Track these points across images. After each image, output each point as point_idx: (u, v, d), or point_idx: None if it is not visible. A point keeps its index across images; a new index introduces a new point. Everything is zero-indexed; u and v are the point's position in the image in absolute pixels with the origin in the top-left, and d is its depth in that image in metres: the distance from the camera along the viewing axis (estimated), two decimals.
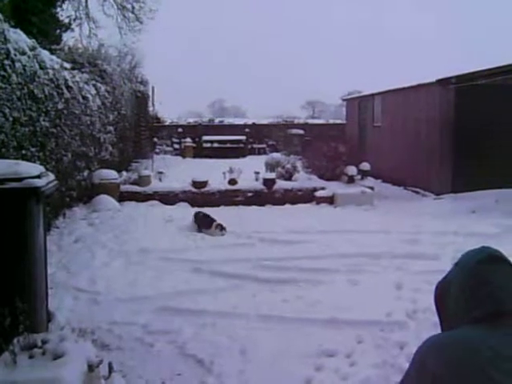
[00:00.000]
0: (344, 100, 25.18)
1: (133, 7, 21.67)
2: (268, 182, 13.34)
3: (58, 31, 19.37)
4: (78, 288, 6.55)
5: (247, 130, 28.88)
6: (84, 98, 11.87)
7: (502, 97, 13.94)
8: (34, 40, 8.75)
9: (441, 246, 8.47)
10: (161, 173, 14.37)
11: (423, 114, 15.06)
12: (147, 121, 24.31)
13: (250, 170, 14.36)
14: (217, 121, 38.30)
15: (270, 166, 14.84)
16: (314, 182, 13.87)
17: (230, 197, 13.06)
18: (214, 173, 14.04)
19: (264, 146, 27.97)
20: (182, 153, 26.46)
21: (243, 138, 27.98)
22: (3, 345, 3.21)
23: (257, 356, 4.84)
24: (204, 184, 13.14)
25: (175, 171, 16.50)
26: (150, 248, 8.41)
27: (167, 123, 31.14)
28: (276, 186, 13.35)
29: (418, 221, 10.72)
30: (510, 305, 1.52)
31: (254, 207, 12.68)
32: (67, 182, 10.10)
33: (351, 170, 14.37)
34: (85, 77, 13.13)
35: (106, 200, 11.52)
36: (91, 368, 3.43)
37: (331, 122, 36.04)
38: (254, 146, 27.94)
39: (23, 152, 7.46)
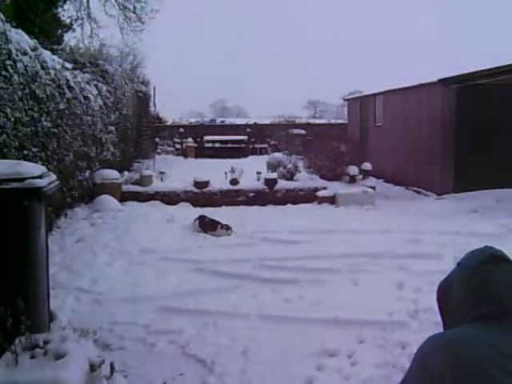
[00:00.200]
0: (345, 100, 25.16)
1: (134, 7, 21.65)
2: (270, 182, 13.34)
3: (60, 31, 19.39)
4: (79, 288, 6.55)
5: (249, 129, 28.89)
6: (85, 98, 11.87)
7: (503, 96, 13.93)
8: (35, 40, 8.76)
9: (442, 245, 8.46)
10: (162, 173, 14.37)
11: (425, 114, 15.05)
12: (149, 121, 24.30)
13: (252, 170, 14.35)
14: (218, 121, 38.35)
15: (272, 166, 14.82)
16: (316, 181, 13.87)
17: (232, 197, 13.06)
18: (216, 173, 14.03)
19: (266, 145, 27.98)
20: (183, 153, 26.47)
21: (245, 137, 28.00)
22: (5, 345, 3.21)
23: (258, 356, 4.84)
24: (206, 184, 13.14)
25: (177, 171, 16.49)
26: (152, 248, 8.41)
27: (169, 123, 31.16)
28: (278, 186, 13.35)
29: (420, 220, 10.72)
30: (511, 304, 1.52)
31: (256, 207, 12.68)
32: (69, 182, 10.10)
33: (353, 169, 14.36)
34: (86, 77, 13.15)
35: (107, 200, 11.53)
36: (93, 368, 3.44)
37: (333, 121, 36.09)
38: (256, 145, 27.95)
39: (25, 152, 7.46)
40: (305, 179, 13.98)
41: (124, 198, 12.34)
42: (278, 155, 16.57)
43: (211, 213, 11.31)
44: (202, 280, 7.07)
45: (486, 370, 1.39)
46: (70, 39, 19.88)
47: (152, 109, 24.99)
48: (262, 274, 7.18)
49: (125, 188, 12.68)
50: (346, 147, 15.25)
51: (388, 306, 5.98)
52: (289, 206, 12.83)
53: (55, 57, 10.46)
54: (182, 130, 28.29)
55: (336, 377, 4.47)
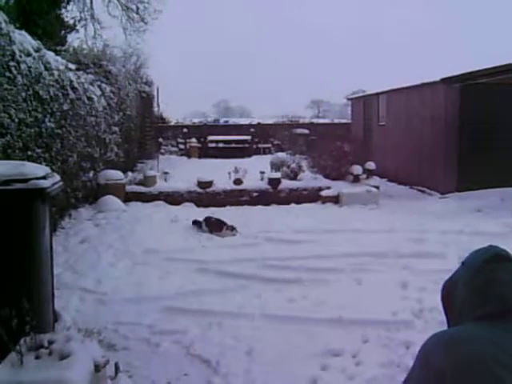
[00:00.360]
0: (349, 99, 25.15)
1: (137, 8, 21.69)
2: (273, 182, 13.33)
3: (63, 32, 19.42)
4: (84, 288, 6.57)
5: (252, 129, 28.88)
6: (89, 98, 11.89)
7: (506, 95, 13.90)
8: (39, 41, 8.78)
9: (446, 244, 8.44)
10: (166, 173, 14.38)
11: (428, 113, 15.03)
12: (152, 121, 24.32)
13: (256, 170, 14.35)
14: (222, 121, 38.34)
15: (276, 166, 14.82)
16: (320, 181, 13.86)
17: (236, 197, 13.06)
18: (220, 173, 14.03)
19: (269, 145, 27.96)
20: (187, 153, 26.49)
21: (248, 137, 27.99)
22: (10, 345, 3.22)
23: (263, 356, 4.85)
24: (209, 184, 13.14)
25: (180, 171, 16.50)
26: (156, 248, 8.42)
27: (172, 123, 31.17)
28: (281, 186, 13.35)
29: (424, 220, 10.70)
30: None
31: (260, 207, 12.68)
32: (73, 183, 10.12)
33: (356, 169, 14.35)
34: (90, 78, 13.16)
35: (111, 201, 11.54)
36: (98, 368, 3.44)
37: (336, 121, 36.03)
38: (260, 145, 27.94)
39: (29, 153, 7.48)
40: (308, 179, 13.97)
41: (128, 198, 12.36)
42: (281, 155, 16.57)
43: (215, 213, 11.31)
44: (206, 280, 7.07)
45: (490, 368, 1.39)
46: (73, 40, 19.94)
47: (155, 109, 25.01)
48: (266, 274, 7.18)
49: (129, 188, 12.70)
50: (349, 147, 15.23)
51: (392, 305, 5.97)
52: (292, 205, 12.82)
53: (59, 58, 10.47)
54: (185, 130, 28.29)
55: (340, 376, 4.47)
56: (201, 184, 13.09)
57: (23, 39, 7.76)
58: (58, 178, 4.16)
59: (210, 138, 27.86)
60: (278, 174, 13.76)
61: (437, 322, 5.15)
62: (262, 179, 13.82)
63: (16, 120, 7.00)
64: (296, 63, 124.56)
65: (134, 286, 6.78)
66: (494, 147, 13.64)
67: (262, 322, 5.66)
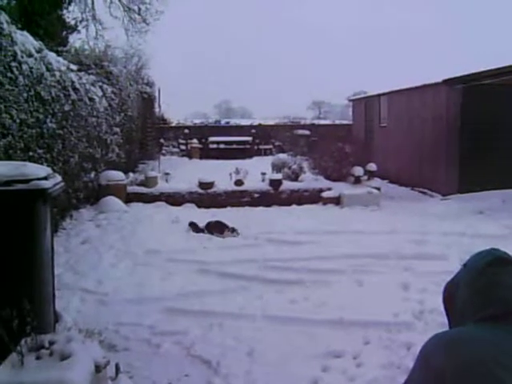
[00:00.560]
0: (350, 100, 25.15)
1: (139, 9, 21.67)
2: (274, 183, 13.33)
3: (65, 33, 19.41)
4: (85, 289, 6.57)
5: (253, 130, 28.88)
6: (90, 99, 11.90)
7: (508, 97, 13.89)
8: (40, 42, 8.78)
9: (448, 246, 8.44)
10: (167, 174, 14.39)
11: (429, 114, 15.02)
12: (153, 122, 24.33)
13: (257, 171, 14.36)
14: (223, 122, 38.33)
15: (277, 167, 14.83)
16: (321, 182, 13.86)
17: (237, 198, 13.06)
18: (221, 174, 14.04)
19: (270, 146, 27.96)
20: (188, 154, 26.49)
21: (249, 138, 28.00)
22: (11, 346, 3.22)
23: (264, 357, 4.84)
24: (210, 185, 13.14)
25: (182, 172, 16.51)
26: (157, 249, 8.42)
27: (173, 124, 31.15)
28: (282, 187, 13.35)
29: (425, 221, 10.69)
30: None
31: (261, 208, 12.68)
32: (74, 184, 10.13)
33: (358, 170, 14.35)
34: (91, 78, 13.17)
35: (112, 201, 11.55)
36: (98, 369, 3.44)
37: (337, 122, 35.98)
38: (261, 146, 27.94)
39: (30, 154, 7.49)
40: (309, 180, 13.97)
41: (129, 199, 12.36)
42: (282, 156, 16.57)
43: (216, 214, 11.33)
44: (207, 281, 7.07)
45: (491, 369, 1.38)
46: (74, 41, 19.92)
47: (157, 110, 25.03)
48: (267, 275, 7.18)
49: (130, 189, 12.71)
50: (350, 148, 15.24)
51: (393, 306, 5.96)
52: (294, 206, 12.82)
53: (60, 58, 10.48)
54: (186, 131, 28.30)
55: (341, 378, 4.46)
56: (202, 185, 13.09)
57: (25, 40, 7.77)
58: (59, 178, 4.16)
59: (211, 138, 27.86)
60: (279, 175, 13.76)
61: (438, 323, 5.14)
62: (263, 180, 13.83)
63: (17, 121, 7.00)
64: (297, 64, 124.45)
65: (135, 287, 6.78)
66: (496, 149, 13.63)
67: (263, 323, 5.66)
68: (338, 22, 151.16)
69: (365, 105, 21.06)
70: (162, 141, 25.63)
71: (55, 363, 3.20)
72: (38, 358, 3.23)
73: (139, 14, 21.70)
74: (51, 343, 3.37)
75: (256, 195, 13.18)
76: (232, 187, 13.27)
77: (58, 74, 9.21)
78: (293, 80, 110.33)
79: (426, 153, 15.18)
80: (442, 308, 1.75)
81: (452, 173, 14.02)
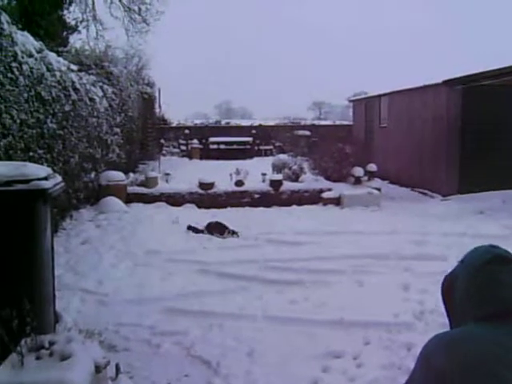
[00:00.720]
0: (350, 101, 25.15)
1: (139, 9, 21.67)
2: (275, 184, 13.33)
3: (65, 33, 19.42)
4: (85, 289, 6.57)
5: (254, 131, 28.90)
6: (91, 99, 11.90)
7: (508, 97, 13.89)
8: (41, 42, 8.79)
9: (448, 247, 8.43)
10: (167, 174, 14.40)
11: (430, 115, 15.02)
12: (154, 122, 24.34)
13: (257, 172, 14.37)
14: (223, 122, 38.31)
15: (277, 168, 14.83)
16: (321, 183, 13.86)
17: (237, 198, 13.06)
18: (221, 174, 14.04)
19: (271, 147, 27.97)
20: (188, 154, 26.50)
21: (250, 139, 28.02)
22: (11, 346, 3.22)
23: (264, 357, 4.84)
24: (211, 185, 13.14)
25: (182, 173, 16.51)
26: (157, 249, 8.42)
27: (174, 125, 31.16)
28: (283, 188, 13.35)
29: (425, 222, 10.69)
30: None
31: (261, 208, 12.68)
32: (74, 184, 10.13)
33: (358, 171, 14.35)
34: (92, 79, 13.18)
35: (112, 202, 11.55)
36: (98, 369, 3.44)
37: (338, 123, 35.97)
38: (261, 147, 27.96)
39: (30, 154, 7.49)
40: (310, 180, 13.97)
41: (129, 199, 12.36)
42: (283, 157, 16.58)
43: (216, 214, 11.33)
44: (207, 281, 7.07)
45: (493, 369, 1.38)
46: (75, 41, 19.94)
47: (157, 110, 25.03)
48: (267, 276, 7.18)
49: (130, 189, 12.71)
50: (351, 148, 15.24)
51: (394, 307, 5.96)
52: (294, 207, 12.83)
53: (60, 59, 10.49)
54: (187, 131, 28.32)
55: (341, 378, 4.46)
56: (202, 185, 13.09)
57: (25, 40, 7.77)
58: (59, 178, 4.16)
59: (212, 139, 27.87)
60: (279, 176, 13.77)
61: (438, 323, 5.14)
62: (263, 181, 13.83)
63: (18, 121, 7.00)
64: (297, 64, 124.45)
65: (135, 287, 6.78)
66: (497, 149, 13.63)
67: (263, 324, 5.65)
68: (338, 21, 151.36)
69: (365, 105, 21.06)
70: (162, 141, 25.64)
71: (55, 363, 3.20)
72: (37, 358, 3.23)
73: (139, 15, 21.70)
74: (51, 343, 3.37)
75: (256, 196, 13.18)
76: (232, 188, 13.28)
77: (58, 74, 9.21)
78: (293, 80, 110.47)
79: (426, 153, 15.18)
80: (442, 308, 1.74)
81: (452, 173, 14.02)
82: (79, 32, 20.53)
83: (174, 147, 27.60)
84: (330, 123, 37.03)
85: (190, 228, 9.92)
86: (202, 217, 10.85)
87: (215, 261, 7.92)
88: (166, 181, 13.97)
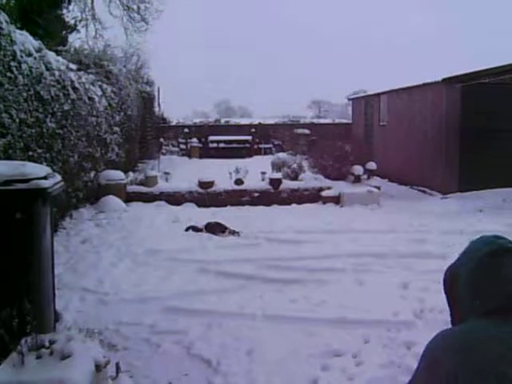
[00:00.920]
0: (350, 99, 25.15)
1: (138, 8, 21.68)
2: (274, 182, 13.33)
3: (64, 32, 19.42)
4: (85, 288, 6.56)
5: (253, 130, 28.89)
6: (90, 99, 11.89)
7: (508, 95, 13.90)
8: (40, 41, 8.78)
9: (448, 245, 8.44)
10: (167, 173, 14.40)
11: (429, 113, 15.02)
12: (153, 121, 24.34)
13: (257, 170, 14.37)
14: (223, 121, 38.31)
15: (277, 166, 14.83)
16: (320, 181, 13.86)
17: (237, 197, 13.06)
18: (221, 173, 14.04)
19: (270, 145, 27.98)
20: (188, 153, 26.50)
21: (249, 138, 28.01)
22: (11, 345, 3.22)
23: (263, 356, 4.84)
24: (210, 184, 13.14)
25: (181, 171, 16.51)
26: (157, 248, 8.42)
27: (173, 124, 31.17)
28: (282, 186, 13.35)
29: (425, 220, 10.70)
30: None
31: (261, 207, 12.68)
32: (74, 183, 10.13)
33: (357, 169, 14.35)
34: (91, 78, 13.17)
35: (112, 201, 11.55)
36: (98, 368, 3.44)
37: (337, 121, 36.01)
38: (260, 146, 27.95)
39: (30, 153, 7.49)
40: (309, 179, 13.97)
41: (129, 198, 12.37)
42: (282, 155, 16.59)
43: (216, 213, 11.34)
44: (207, 280, 7.07)
45: (500, 367, 1.34)
46: (74, 40, 19.95)
47: (156, 109, 25.03)
48: (267, 274, 7.18)
49: (130, 189, 12.71)
50: (350, 147, 15.24)
51: (393, 305, 5.96)
52: (293, 205, 12.83)
53: (60, 58, 10.48)
54: (186, 130, 28.32)
55: (341, 377, 4.46)
56: (202, 184, 13.09)
57: (24, 39, 7.77)
58: (58, 178, 4.16)
59: (211, 138, 27.87)
60: (278, 175, 13.77)
61: (438, 322, 5.13)
62: (262, 179, 13.83)
63: (17, 120, 7.00)
64: (297, 63, 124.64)
65: (135, 286, 6.78)
66: (496, 147, 13.64)
67: (263, 323, 5.65)
68: (337, 21, 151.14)
69: (364, 104, 21.06)
70: (161, 140, 25.63)
71: (55, 363, 3.20)
72: (38, 357, 3.24)
73: (139, 13, 21.71)
74: (51, 343, 3.37)
75: (256, 194, 13.18)
76: (232, 186, 13.28)
77: (57, 73, 9.21)
78: (292, 79, 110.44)
79: (425, 151, 15.17)
80: (441, 307, 1.73)
81: (452, 171, 14.02)
82: (78, 31, 20.56)
83: (174, 146, 27.60)
84: (329, 122, 37.06)
85: (189, 227, 9.91)
86: (202, 216, 10.85)
87: (215, 260, 7.92)
88: (166, 180, 13.97)
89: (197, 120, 39.71)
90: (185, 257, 8.10)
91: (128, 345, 5.08)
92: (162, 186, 13.21)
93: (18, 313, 3.32)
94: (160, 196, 12.76)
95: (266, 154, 26.07)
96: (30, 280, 3.80)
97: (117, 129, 14.79)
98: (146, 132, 21.78)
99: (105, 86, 14.27)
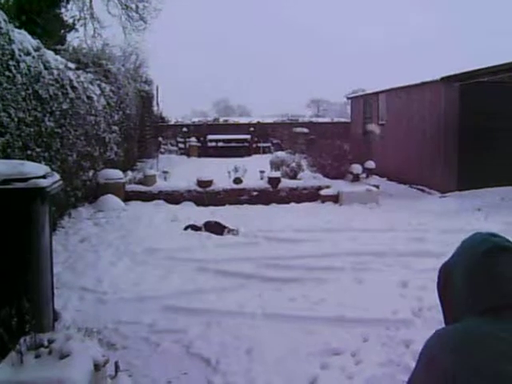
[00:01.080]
0: (348, 98, 25.14)
1: (137, 7, 21.66)
2: (273, 181, 13.33)
3: (63, 31, 19.41)
4: (83, 288, 6.56)
5: (252, 128, 28.88)
6: (89, 97, 11.89)
7: (506, 94, 13.90)
8: (38, 40, 8.77)
9: (446, 243, 8.40)
10: (166, 172, 14.39)
11: (427, 112, 15.03)
12: (152, 120, 24.33)
13: (255, 169, 14.37)
14: (222, 120, 38.30)
15: (275, 165, 14.83)
16: (319, 180, 13.86)
17: (235, 196, 13.06)
18: (219, 172, 14.04)
19: (269, 144, 27.97)
20: (186, 152, 26.49)
21: (248, 136, 28.00)
22: (10, 344, 3.22)
23: (263, 355, 4.84)
24: (209, 183, 13.14)
25: (180, 170, 16.50)
26: (156, 247, 8.41)
27: (172, 123, 31.17)
28: (281, 185, 13.35)
29: (424, 219, 10.70)
30: None
31: (260, 206, 12.68)
32: (72, 182, 10.12)
33: (356, 168, 14.34)
34: (89, 77, 13.16)
35: (111, 200, 11.55)
36: (97, 367, 3.44)
37: (336, 120, 35.98)
38: (259, 144, 27.95)
39: (28, 152, 7.48)
40: (308, 178, 13.97)
41: (128, 197, 12.37)
42: (281, 154, 16.59)
43: (215, 212, 11.34)
44: (206, 279, 7.07)
45: (499, 365, 1.33)
46: (72, 39, 19.94)
47: (155, 108, 25.02)
48: (266, 273, 7.18)
49: (128, 187, 12.71)
50: (349, 145, 15.24)
51: (392, 304, 5.96)
52: (292, 204, 12.83)
53: (58, 57, 10.47)
54: (185, 129, 28.31)
55: (340, 375, 4.46)
56: (200, 183, 13.09)
57: (23, 38, 7.76)
58: (57, 177, 4.16)
59: (210, 137, 27.86)
60: (277, 173, 13.76)
61: (437, 320, 5.12)
62: (261, 178, 13.84)
63: (15, 119, 6.99)
64: (296, 62, 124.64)
65: (133, 285, 6.77)
66: (495, 146, 13.65)
67: (262, 321, 5.65)
68: (337, 21, 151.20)
69: (363, 102, 21.06)
70: (160, 139, 25.63)
71: (54, 362, 3.20)
72: (37, 356, 3.23)
73: (137, 12, 21.70)
74: (50, 342, 3.37)
75: (255, 193, 13.17)
76: (231, 185, 13.27)
77: (55, 72, 9.20)
78: (291, 78, 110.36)
79: (424, 150, 15.17)
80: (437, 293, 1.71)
81: (450, 170, 14.03)
82: (77, 30, 20.54)
83: (172, 145, 27.60)
84: (328, 120, 37.03)
85: (188, 226, 9.91)
86: (201, 214, 10.86)
87: (214, 258, 7.92)
88: (165, 179, 13.96)
89: (195, 119, 39.70)
90: (184, 256, 8.10)
91: (127, 344, 5.08)
92: (160, 185, 13.21)
93: (17, 312, 3.31)
94: (159, 195, 12.75)
95: (264, 152, 26.07)
96: (29, 279, 3.79)
97: (115, 128, 14.78)
98: (144, 131, 21.77)
99: (103, 84, 14.26)
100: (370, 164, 15.07)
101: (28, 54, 7.75)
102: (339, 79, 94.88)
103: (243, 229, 9.79)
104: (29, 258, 3.77)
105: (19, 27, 8.25)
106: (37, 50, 8.34)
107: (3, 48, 6.76)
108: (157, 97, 23.32)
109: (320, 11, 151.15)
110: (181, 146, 27.64)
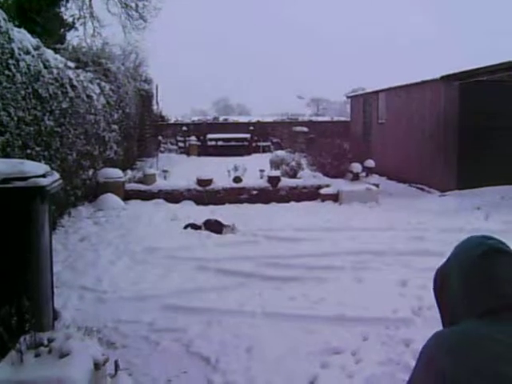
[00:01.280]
0: (348, 97, 25.13)
1: (136, 5, 21.64)
2: (273, 180, 13.33)
3: (62, 30, 19.39)
4: (83, 287, 6.56)
5: (252, 127, 28.88)
6: (88, 96, 11.88)
7: (506, 93, 13.90)
8: (38, 39, 8.77)
9: (446, 242, 8.36)
10: (165, 171, 14.39)
11: (427, 111, 15.02)
12: (152, 119, 24.32)
13: (255, 168, 14.37)
14: (221, 119, 38.27)
15: (275, 164, 14.83)
16: (319, 179, 13.86)
17: (235, 195, 13.06)
18: (219, 171, 14.04)
19: (268, 143, 27.97)
20: (186, 151, 26.49)
21: (248, 135, 27.99)
22: (10, 344, 3.22)
23: (263, 353, 4.84)
24: (209, 182, 13.14)
25: (180, 169, 16.50)
26: (156, 246, 8.41)
27: (172, 122, 31.15)
28: (281, 184, 13.35)
29: (423, 218, 10.70)
30: None
31: (259, 205, 12.68)
32: (72, 181, 10.12)
33: (356, 167, 14.34)
34: (89, 76, 13.16)
35: (111, 199, 11.54)
36: (97, 366, 3.44)
37: (335, 119, 35.98)
38: (259, 143, 27.94)
39: (28, 151, 7.48)
40: (308, 177, 13.97)
41: (127, 196, 12.37)
42: (280, 153, 16.58)
43: (214, 211, 11.34)
44: (206, 278, 7.07)
45: (497, 366, 1.34)
46: (72, 38, 19.91)
47: (155, 107, 25.01)
48: (266, 272, 7.18)
49: (128, 186, 12.71)
50: (348, 144, 15.24)
51: (392, 303, 5.97)
52: (292, 203, 12.84)
53: (58, 56, 10.47)
54: (185, 128, 28.32)
55: (340, 374, 4.46)
56: (200, 182, 13.09)
57: (22, 37, 7.75)
58: (57, 176, 4.16)
59: (210, 136, 27.85)
60: (277, 172, 13.76)
61: (436, 319, 5.07)
62: (261, 177, 13.83)
63: (15, 118, 6.99)
64: (296, 62, 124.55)
65: (133, 284, 6.78)
66: (494, 145, 13.65)
67: (262, 320, 5.65)
68: (337, 20, 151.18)
69: (363, 101, 21.05)
70: (160, 138, 25.62)
71: (54, 361, 3.20)
72: (36, 355, 3.23)
73: (137, 11, 21.68)
74: (50, 341, 3.37)
75: (254, 192, 13.18)
76: (230, 184, 13.28)
77: (55, 71, 9.19)
78: (291, 77, 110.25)
79: (424, 149, 15.17)
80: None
81: (450, 169, 14.03)
82: (76, 29, 20.52)
83: (172, 144, 27.60)
84: (327, 119, 37.01)
85: (188, 225, 9.91)
86: (201, 213, 10.85)
87: (214, 257, 7.92)
88: (164, 178, 13.96)
89: (195, 118, 39.67)
90: (183, 255, 8.10)
91: (127, 343, 5.09)
92: (160, 183, 13.21)
93: (17, 311, 3.31)
94: (158, 194, 12.75)
95: (264, 151, 26.06)
96: (29, 278, 3.79)
97: (115, 127, 14.78)
98: (144, 130, 21.77)
99: (103, 83, 14.26)
100: (370, 163, 15.07)
101: (28, 52, 7.75)
102: (339, 78, 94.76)
103: (243, 228, 9.79)
104: (28, 257, 3.77)
105: (19, 26, 8.25)
106: (36, 48, 8.34)
107: (3, 47, 6.75)
108: (156, 96, 23.35)
109: (320, 11, 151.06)
110: (180, 144, 27.64)
